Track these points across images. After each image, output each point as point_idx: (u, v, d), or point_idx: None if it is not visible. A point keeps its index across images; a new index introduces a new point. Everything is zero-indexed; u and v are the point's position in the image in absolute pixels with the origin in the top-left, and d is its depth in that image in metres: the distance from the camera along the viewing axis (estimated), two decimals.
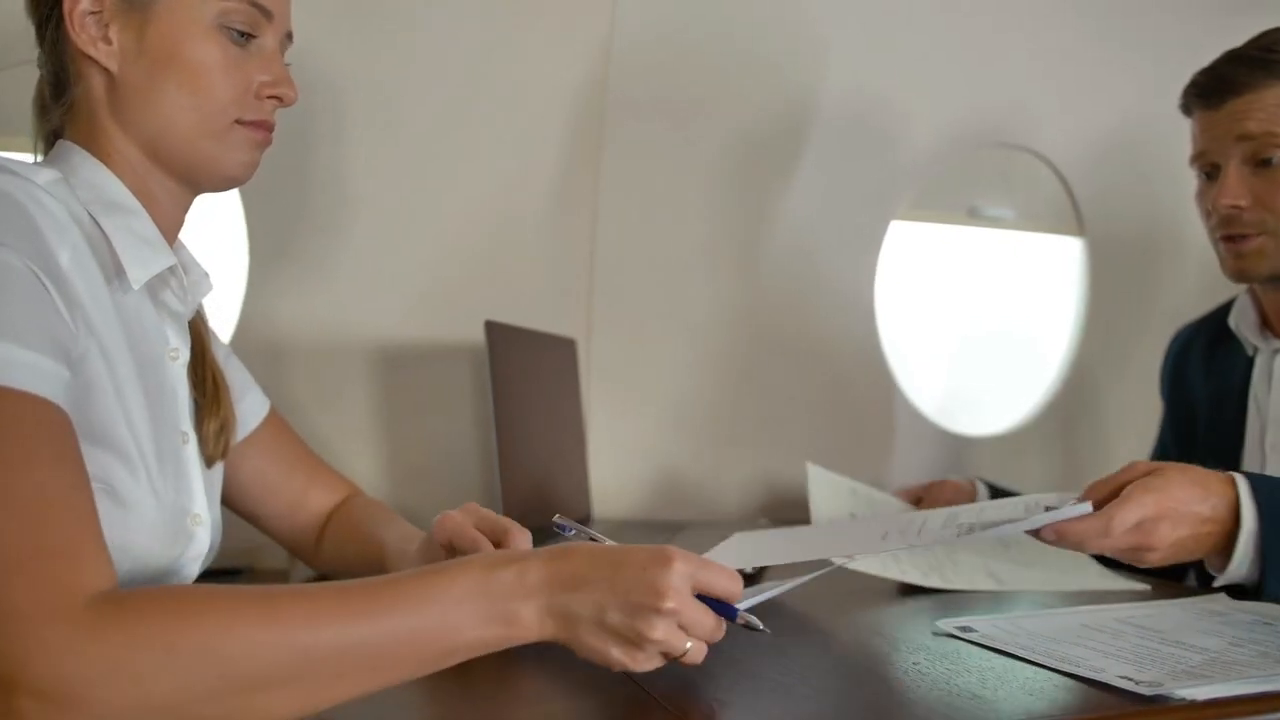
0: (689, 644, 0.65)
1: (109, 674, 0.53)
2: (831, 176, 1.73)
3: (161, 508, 0.77)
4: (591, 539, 0.80)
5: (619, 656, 0.64)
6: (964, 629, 0.87)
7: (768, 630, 0.69)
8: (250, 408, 1.02)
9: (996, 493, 1.35)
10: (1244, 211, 1.14)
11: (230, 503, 1.02)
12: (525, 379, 1.35)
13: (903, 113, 1.74)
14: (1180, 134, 1.86)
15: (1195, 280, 1.93)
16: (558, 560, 0.65)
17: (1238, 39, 1.22)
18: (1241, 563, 0.87)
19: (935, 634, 0.87)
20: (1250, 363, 1.26)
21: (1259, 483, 0.88)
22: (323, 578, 1.08)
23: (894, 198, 1.79)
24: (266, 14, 0.86)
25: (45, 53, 0.84)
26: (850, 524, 1.24)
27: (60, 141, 0.84)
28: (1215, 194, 1.16)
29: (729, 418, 1.71)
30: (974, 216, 1.90)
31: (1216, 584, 0.91)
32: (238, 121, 0.85)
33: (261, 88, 0.86)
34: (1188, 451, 1.34)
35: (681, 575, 0.64)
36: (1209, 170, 1.20)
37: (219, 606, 0.57)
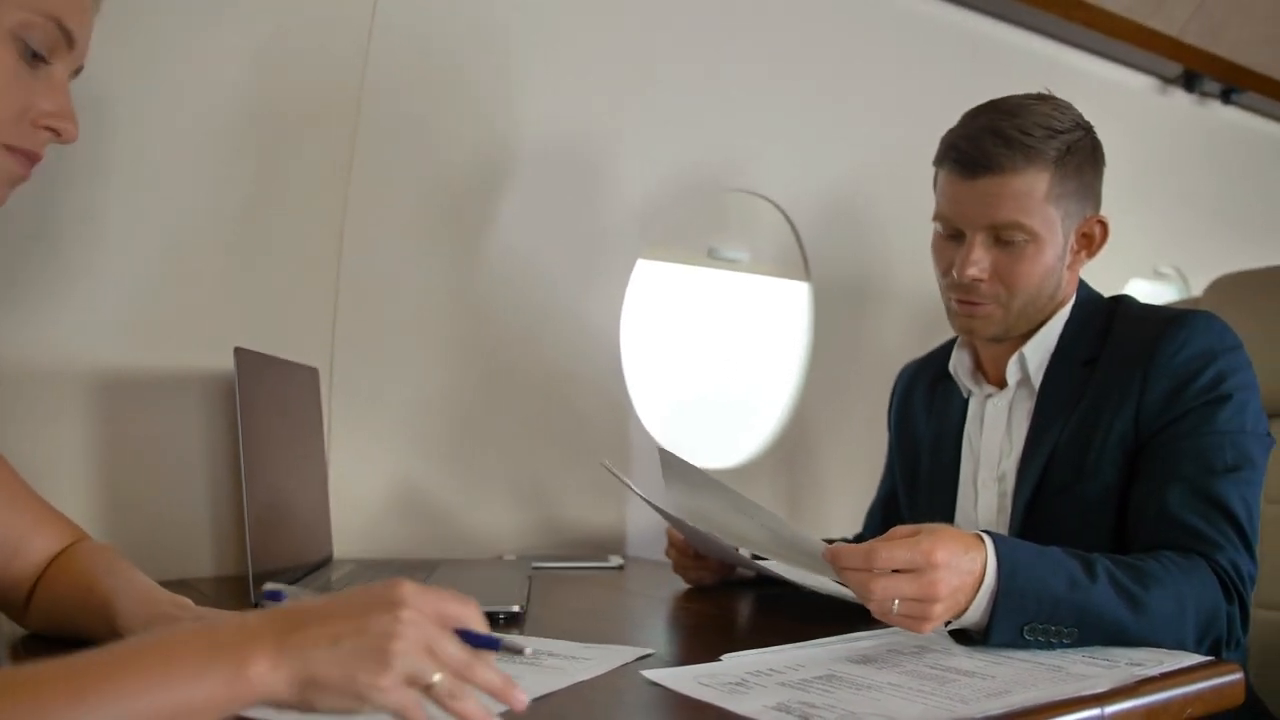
0: (437, 676, 0.59)
1: None
2: (578, 212, 1.74)
3: None
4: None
5: (365, 680, 0.57)
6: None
7: (530, 649, 0.67)
8: None
9: None
10: (983, 283, 1.21)
11: None
12: (272, 410, 1.25)
13: (648, 153, 1.79)
14: (893, 195, 2.04)
15: (906, 326, 2.11)
16: (282, 610, 0.60)
17: (959, 106, 1.31)
18: (975, 611, 0.93)
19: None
20: (966, 405, 1.37)
21: (1001, 541, 0.95)
22: (36, 638, 0.95)
23: (640, 236, 1.83)
24: (69, 40, 0.78)
25: None
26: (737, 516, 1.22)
27: None
28: (959, 263, 1.21)
29: (475, 451, 1.67)
30: (713, 258, 1.97)
31: (950, 628, 0.96)
32: (3, 145, 0.76)
33: (41, 116, 0.77)
34: (912, 485, 1.44)
35: (413, 590, 0.61)
36: (952, 233, 1.25)
37: None
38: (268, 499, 1.20)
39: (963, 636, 0.97)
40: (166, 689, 0.54)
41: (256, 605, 1.05)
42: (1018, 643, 0.93)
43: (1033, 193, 1.18)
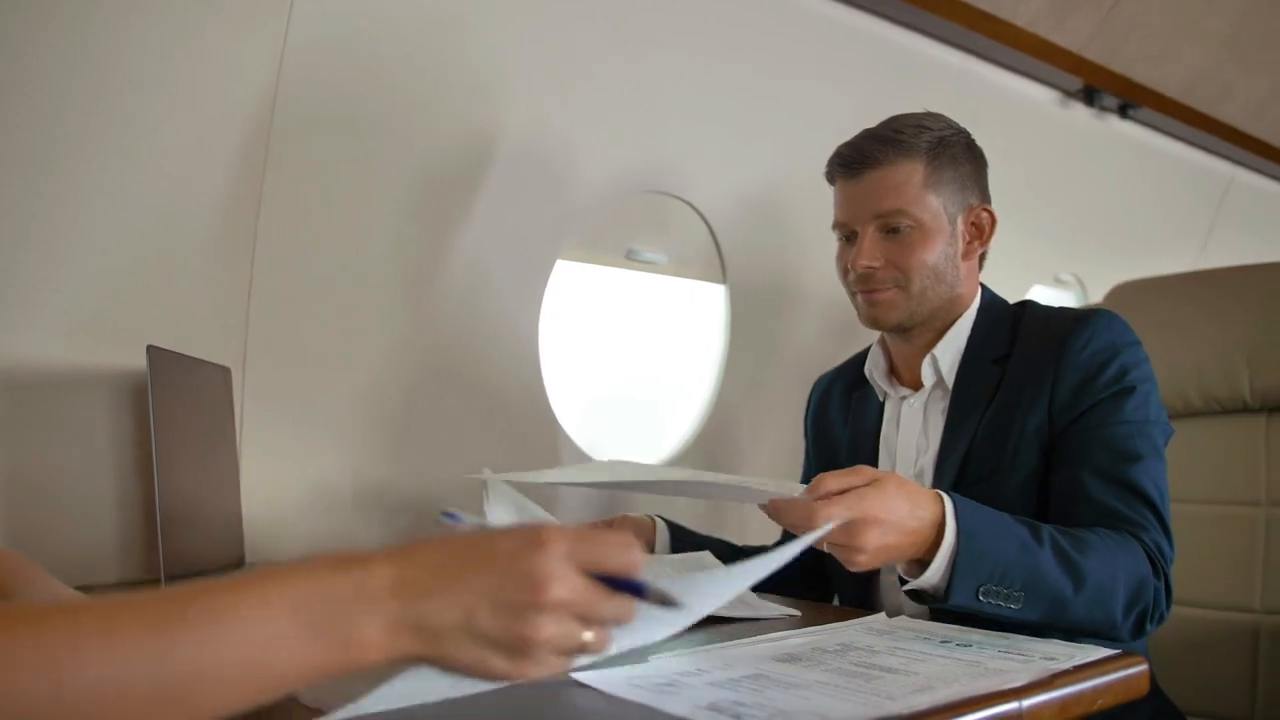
0: (587, 635, 0.55)
1: None
2: (501, 212, 1.73)
3: None
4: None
5: (503, 667, 0.53)
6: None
7: (683, 602, 0.60)
8: None
9: (673, 529, 1.41)
10: (878, 270, 1.30)
11: None
12: (184, 410, 1.22)
13: (571, 156, 1.78)
14: (808, 200, 2.07)
15: (821, 328, 2.15)
16: (406, 561, 0.53)
17: (873, 113, 1.38)
18: (934, 573, 0.98)
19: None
20: (881, 408, 1.41)
21: (960, 503, 1.00)
22: None
23: (560, 237, 1.82)
24: None
25: None
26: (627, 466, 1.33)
27: None
28: (854, 256, 1.31)
29: (395, 453, 1.65)
30: (631, 259, 1.98)
31: (906, 588, 1.02)
32: None
33: None
34: None
35: (561, 558, 0.54)
36: (849, 236, 1.35)
37: None
38: (180, 501, 1.16)
39: (920, 597, 1.02)
40: (263, 655, 0.48)
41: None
42: (972, 604, 0.98)
43: (910, 181, 1.28)
